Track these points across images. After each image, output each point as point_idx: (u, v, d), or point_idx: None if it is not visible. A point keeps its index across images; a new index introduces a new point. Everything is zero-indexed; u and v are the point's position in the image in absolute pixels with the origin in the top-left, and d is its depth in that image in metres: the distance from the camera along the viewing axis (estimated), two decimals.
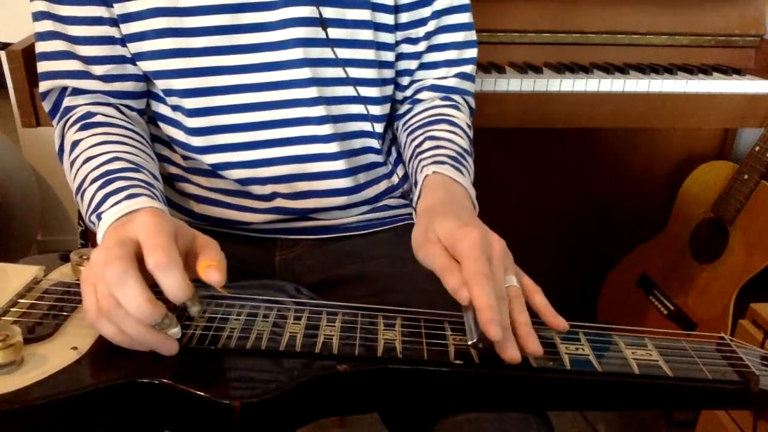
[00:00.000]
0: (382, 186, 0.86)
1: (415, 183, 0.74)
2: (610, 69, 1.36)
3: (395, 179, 0.87)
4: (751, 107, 1.35)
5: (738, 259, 1.36)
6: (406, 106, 0.87)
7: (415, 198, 0.72)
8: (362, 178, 0.83)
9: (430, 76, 0.84)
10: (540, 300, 0.57)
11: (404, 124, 0.85)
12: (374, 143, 0.83)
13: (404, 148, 0.83)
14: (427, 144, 0.76)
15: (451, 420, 0.58)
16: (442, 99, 0.84)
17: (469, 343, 0.53)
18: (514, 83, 1.29)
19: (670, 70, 1.37)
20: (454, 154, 0.74)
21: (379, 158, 0.85)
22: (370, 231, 0.85)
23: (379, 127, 0.82)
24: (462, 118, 0.82)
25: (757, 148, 1.33)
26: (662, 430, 1.51)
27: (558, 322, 0.56)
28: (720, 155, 1.64)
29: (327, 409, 0.55)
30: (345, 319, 0.58)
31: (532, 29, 1.42)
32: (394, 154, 0.88)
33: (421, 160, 0.74)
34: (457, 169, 0.72)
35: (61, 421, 0.49)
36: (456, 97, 0.85)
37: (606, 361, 0.55)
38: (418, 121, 0.82)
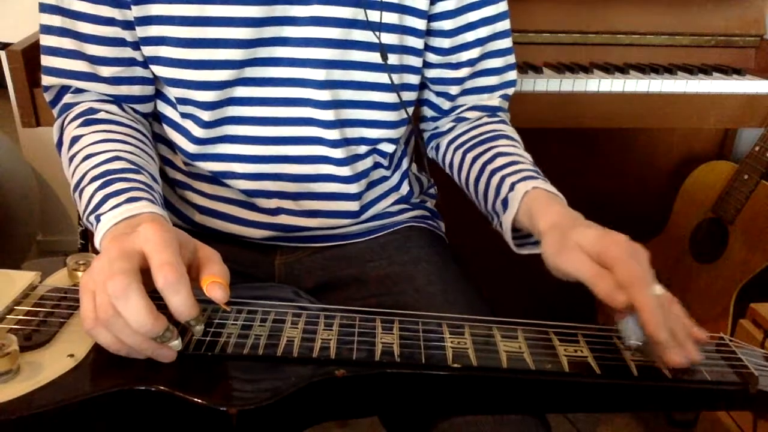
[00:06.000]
0: (390, 200, 0.86)
1: (504, 201, 0.72)
2: (610, 69, 1.35)
3: (403, 191, 0.87)
4: (751, 107, 1.35)
5: (738, 259, 1.36)
6: (448, 124, 0.86)
7: (512, 215, 0.70)
8: (370, 195, 0.83)
9: (474, 100, 0.85)
10: (678, 309, 0.58)
11: (452, 142, 0.84)
12: (383, 161, 0.83)
13: (461, 166, 0.82)
14: (501, 160, 0.76)
15: (450, 423, 0.58)
16: (489, 116, 0.85)
17: (632, 344, 0.54)
18: None
19: (670, 70, 1.36)
20: (533, 167, 0.74)
21: (386, 173, 0.85)
22: (371, 237, 0.85)
23: (390, 148, 0.82)
24: (514, 132, 0.83)
25: (757, 148, 1.32)
26: (662, 430, 1.51)
27: (696, 332, 0.57)
28: (720, 155, 1.63)
29: (325, 414, 0.55)
30: (342, 323, 0.58)
31: (532, 29, 1.41)
32: (403, 167, 0.88)
33: (503, 177, 0.73)
34: (546, 181, 0.72)
35: (59, 429, 0.48)
36: (500, 114, 0.86)
37: (605, 362, 0.55)
38: (474, 138, 0.81)
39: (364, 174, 0.81)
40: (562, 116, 1.32)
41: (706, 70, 1.38)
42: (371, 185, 0.83)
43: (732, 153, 1.63)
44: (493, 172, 0.75)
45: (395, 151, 0.85)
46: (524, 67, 1.34)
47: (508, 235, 0.72)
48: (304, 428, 0.54)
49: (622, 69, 1.35)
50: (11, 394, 0.48)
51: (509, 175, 0.73)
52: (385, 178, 0.84)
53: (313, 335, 0.56)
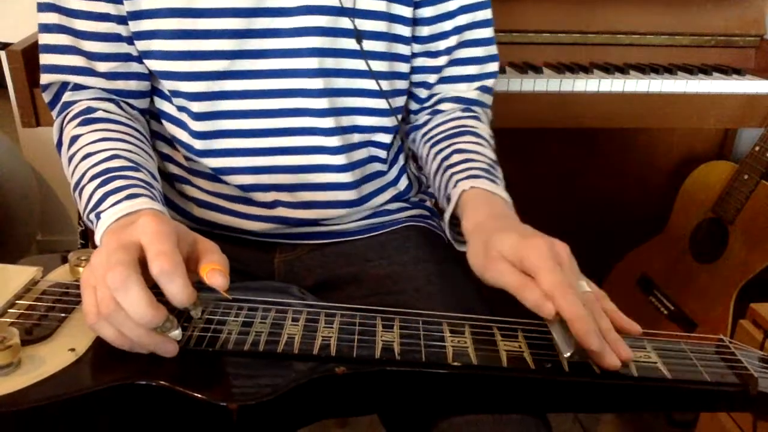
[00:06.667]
0: (388, 195, 0.86)
1: (448, 198, 0.72)
2: (610, 69, 1.36)
3: (401, 186, 0.87)
4: (751, 107, 1.35)
5: (738, 259, 1.36)
6: (424, 117, 0.86)
7: (449, 212, 0.71)
8: (367, 188, 0.83)
9: (450, 90, 0.84)
10: (609, 304, 0.57)
11: (425, 135, 0.84)
12: (380, 153, 0.83)
13: (427, 160, 0.82)
14: (456, 157, 0.75)
15: (450, 422, 0.58)
16: (463, 110, 0.84)
17: (566, 355, 0.53)
18: (514, 83, 1.29)
19: (670, 70, 1.37)
20: (486, 166, 0.74)
21: (383, 167, 0.85)
22: (370, 235, 0.85)
23: (386, 138, 0.82)
24: (485, 129, 0.82)
25: (757, 148, 1.32)
26: (662, 430, 1.51)
27: (631, 325, 0.56)
28: (720, 155, 1.64)
29: (325, 411, 0.55)
30: (343, 320, 0.58)
31: (532, 29, 1.42)
32: (400, 162, 0.88)
33: (452, 174, 0.73)
34: (492, 180, 0.71)
35: (59, 423, 0.49)
36: (477, 108, 0.85)
37: None
38: (442, 132, 0.81)
39: (359, 164, 0.81)
40: (562, 116, 1.32)
41: (706, 70, 1.38)
42: (368, 178, 0.83)
43: (732, 153, 1.64)
44: (446, 169, 0.76)
45: (392, 145, 0.85)
46: (524, 67, 1.34)
47: (447, 232, 0.72)
48: (304, 425, 0.54)
49: (622, 69, 1.35)
50: (12, 387, 0.48)
51: (457, 172, 0.73)
52: (381, 173, 0.85)
53: (313, 333, 0.56)
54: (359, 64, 0.76)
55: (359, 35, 0.74)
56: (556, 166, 1.62)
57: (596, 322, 0.53)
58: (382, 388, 0.54)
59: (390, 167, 0.86)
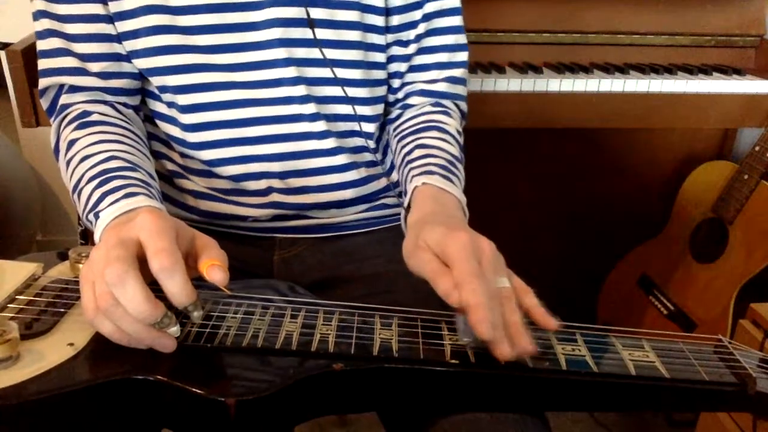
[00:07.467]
0: (382, 182, 0.86)
1: (405, 191, 0.74)
2: (610, 69, 1.36)
3: (394, 177, 0.87)
4: (751, 107, 1.35)
5: (738, 259, 1.36)
6: (396, 111, 0.86)
7: (405, 205, 0.72)
8: (361, 173, 0.83)
9: (419, 79, 0.84)
10: (530, 300, 0.57)
11: (395, 129, 0.85)
12: (368, 143, 0.83)
13: (395, 153, 0.82)
14: (418, 152, 0.76)
15: (448, 420, 0.58)
16: (433, 105, 0.84)
17: (461, 342, 0.54)
18: (514, 83, 1.28)
19: (670, 70, 1.37)
20: (444, 163, 0.74)
21: (374, 157, 0.85)
22: (368, 230, 0.85)
23: (370, 127, 0.82)
24: (452, 124, 0.82)
25: (757, 148, 1.32)
26: (662, 429, 1.51)
27: (547, 321, 0.56)
28: (720, 155, 1.64)
29: (323, 408, 0.55)
30: (341, 318, 0.58)
31: (532, 29, 1.42)
32: (390, 155, 0.88)
33: (411, 169, 0.74)
34: (447, 178, 0.72)
35: (57, 417, 0.49)
36: (447, 102, 0.85)
37: (603, 362, 0.55)
38: (409, 127, 0.82)
39: (349, 150, 0.81)
40: (562, 116, 1.32)
41: (706, 70, 1.38)
42: (361, 164, 0.83)
43: (732, 153, 1.64)
44: (407, 163, 0.76)
45: (382, 137, 0.86)
46: (524, 68, 1.34)
47: (403, 226, 0.72)
48: (301, 421, 0.54)
49: (622, 69, 1.35)
50: (11, 380, 0.48)
51: (416, 168, 0.74)
52: (374, 162, 0.85)
53: (312, 330, 0.56)
54: (331, 54, 0.76)
55: (312, 23, 0.74)
56: (555, 166, 1.62)
57: (503, 314, 0.53)
58: (379, 386, 0.54)
59: (382, 157, 0.87)
